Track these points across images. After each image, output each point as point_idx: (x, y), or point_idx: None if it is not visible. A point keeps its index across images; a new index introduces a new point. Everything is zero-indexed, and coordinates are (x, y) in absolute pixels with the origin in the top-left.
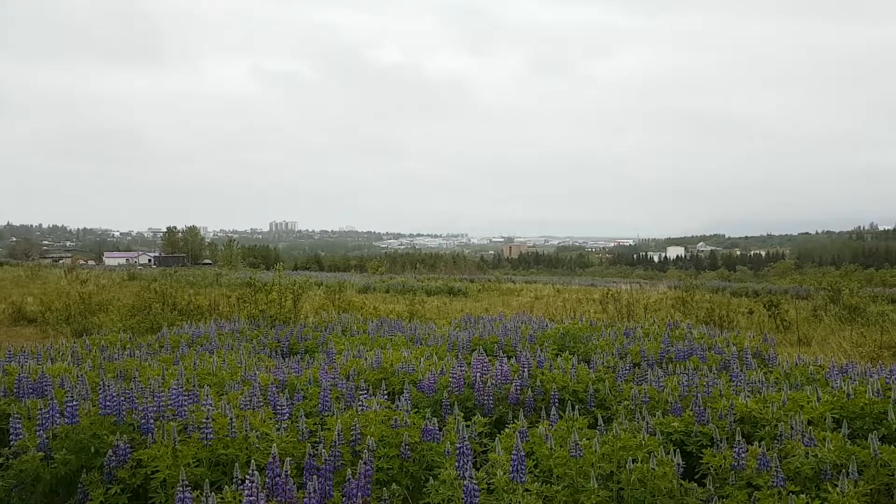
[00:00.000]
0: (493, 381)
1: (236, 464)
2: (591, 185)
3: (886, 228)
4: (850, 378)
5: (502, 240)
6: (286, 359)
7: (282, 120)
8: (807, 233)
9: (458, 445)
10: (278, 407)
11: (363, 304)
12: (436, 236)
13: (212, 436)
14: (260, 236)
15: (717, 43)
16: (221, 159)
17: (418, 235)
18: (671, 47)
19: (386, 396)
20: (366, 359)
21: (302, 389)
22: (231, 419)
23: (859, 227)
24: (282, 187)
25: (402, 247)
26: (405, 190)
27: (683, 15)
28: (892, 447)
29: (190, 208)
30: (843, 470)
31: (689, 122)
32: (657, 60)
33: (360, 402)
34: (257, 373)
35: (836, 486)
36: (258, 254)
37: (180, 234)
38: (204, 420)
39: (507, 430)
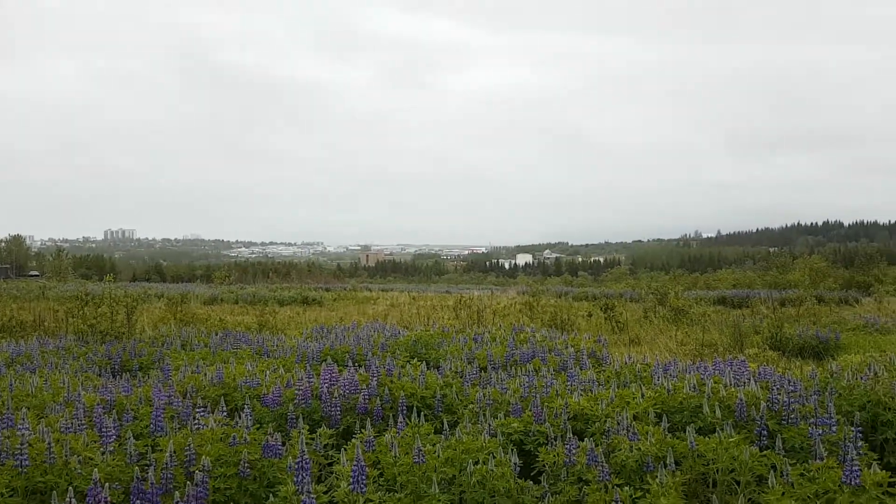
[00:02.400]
0: (342, 392)
1: (55, 492)
2: (447, 193)
3: (710, 236)
4: (671, 375)
5: (359, 248)
6: (117, 377)
7: (125, 123)
8: (640, 240)
9: (297, 460)
10: (104, 429)
11: (208, 316)
12: (290, 244)
13: (27, 462)
14: (94, 245)
15: (568, 61)
16: (53, 163)
17: (271, 244)
18: (527, 64)
19: (225, 413)
20: (206, 374)
21: (132, 409)
22: (49, 444)
23: (686, 234)
24: (120, 194)
25: (254, 255)
26: (257, 197)
27: (539, 34)
28: (707, 438)
29: (14, 216)
30: (663, 461)
31: (539, 135)
32: (513, 76)
33: (196, 421)
34: (82, 393)
35: (657, 477)
36: (91, 264)
37: (3, 244)
38: (19, 446)
39: (353, 440)
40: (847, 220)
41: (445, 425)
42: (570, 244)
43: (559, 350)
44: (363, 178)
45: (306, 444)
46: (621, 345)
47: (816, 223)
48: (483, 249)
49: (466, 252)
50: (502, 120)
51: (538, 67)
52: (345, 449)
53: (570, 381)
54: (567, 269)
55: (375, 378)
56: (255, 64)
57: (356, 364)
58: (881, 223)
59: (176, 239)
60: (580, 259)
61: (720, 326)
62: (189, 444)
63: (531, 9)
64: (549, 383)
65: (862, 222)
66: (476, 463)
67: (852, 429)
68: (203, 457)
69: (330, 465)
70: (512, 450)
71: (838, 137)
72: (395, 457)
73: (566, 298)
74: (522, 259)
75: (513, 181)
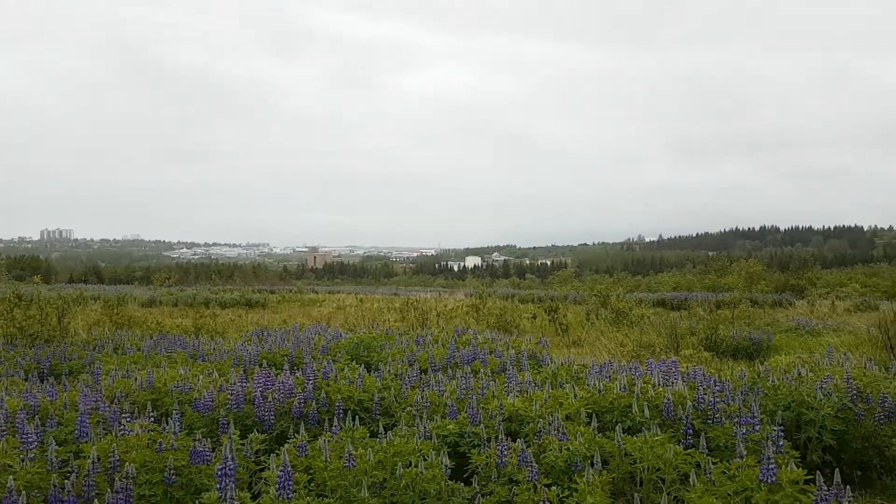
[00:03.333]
0: (277, 396)
1: None
2: (396, 195)
3: (652, 240)
4: (605, 376)
5: (307, 249)
6: (45, 382)
7: (62, 121)
8: (586, 244)
9: (221, 466)
10: (25, 435)
11: (145, 319)
12: (234, 245)
13: None
14: (29, 245)
15: (515, 65)
16: None
17: (215, 245)
18: (475, 66)
19: (153, 419)
20: (136, 378)
21: (57, 415)
22: None
23: (629, 238)
24: (58, 193)
25: (197, 257)
26: (201, 197)
27: (488, 37)
28: (635, 438)
29: None
30: (591, 461)
31: (488, 137)
32: (461, 78)
33: (123, 427)
34: (5, 398)
35: (585, 476)
36: (27, 265)
37: None
38: None
39: (286, 445)
40: (783, 226)
41: (381, 428)
42: (518, 247)
43: (500, 352)
44: (311, 178)
45: (236, 449)
46: (563, 346)
47: (754, 228)
48: (432, 251)
49: (416, 254)
50: (451, 122)
51: (486, 70)
52: (276, 454)
53: (507, 383)
54: (515, 272)
55: (311, 381)
56: (196, 61)
57: (295, 367)
58: (815, 228)
59: (115, 239)
60: (528, 262)
61: (659, 328)
62: (113, 451)
63: (478, 12)
64: (486, 385)
65: (797, 227)
66: (407, 465)
67: (774, 428)
68: (127, 463)
69: (261, 470)
70: (444, 451)
71: (776, 144)
72: (327, 461)
73: (513, 300)
74: (471, 261)
75: (462, 183)
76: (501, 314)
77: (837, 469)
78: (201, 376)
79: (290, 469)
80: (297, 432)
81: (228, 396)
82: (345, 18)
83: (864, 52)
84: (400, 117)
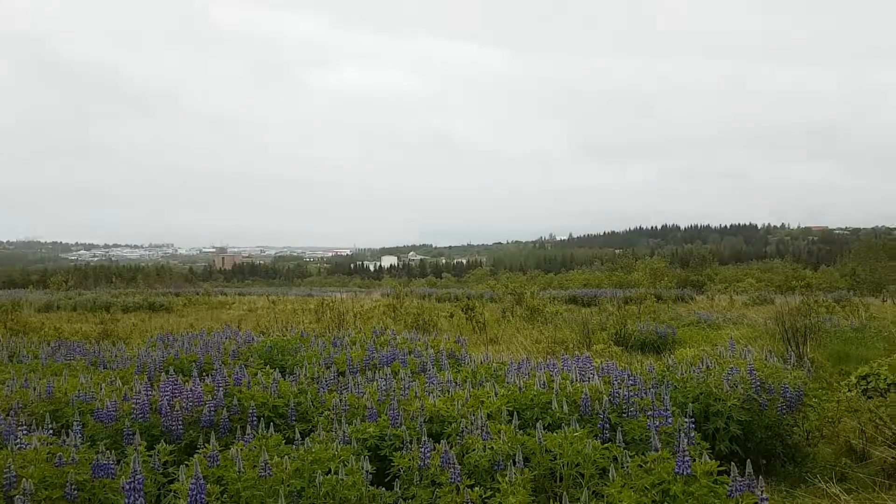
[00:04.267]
0: (185, 404)
1: None
2: (310, 194)
3: (563, 238)
4: (524, 373)
5: (214, 250)
6: None
7: None
8: (500, 242)
9: (129, 480)
10: None
11: (42, 324)
12: (137, 247)
13: None
14: None
15: (431, 66)
16: None
17: (115, 246)
18: (391, 66)
19: (52, 431)
20: (34, 388)
21: None
22: None
23: (542, 237)
24: None
25: (96, 259)
26: (101, 197)
27: (405, 37)
28: (555, 434)
29: None
30: (513, 459)
31: (404, 137)
32: (377, 77)
33: (20, 440)
34: None
35: (507, 475)
36: None
37: None
38: None
39: (196, 455)
40: (683, 224)
41: (298, 435)
42: (434, 246)
43: (419, 352)
44: (219, 177)
45: (143, 461)
46: (481, 344)
47: (657, 227)
48: (348, 251)
49: (331, 254)
50: (366, 121)
51: (400, 70)
52: (186, 465)
53: (428, 383)
54: (431, 271)
55: (222, 388)
56: (96, 57)
57: (204, 374)
58: (713, 227)
59: (9, 241)
60: (444, 261)
61: (571, 324)
62: (9, 466)
63: (393, 13)
64: (407, 386)
65: (696, 226)
66: (327, 472)
67: (686, 420)
68: (25, 479)
69: (170, 482)
70: (365, 456)
71: (675, 146)
72: (240, 471)
73: (430, 299)
74: (388, 261)
75: (378, 183)
76: (419, 314)
77: (746, 459)
78: (104, 385)
79: (202, 480)
80: (208, 442)
81: (133, 406)
82: (253, 13)
83: (757, 62)
84: (314, 116)
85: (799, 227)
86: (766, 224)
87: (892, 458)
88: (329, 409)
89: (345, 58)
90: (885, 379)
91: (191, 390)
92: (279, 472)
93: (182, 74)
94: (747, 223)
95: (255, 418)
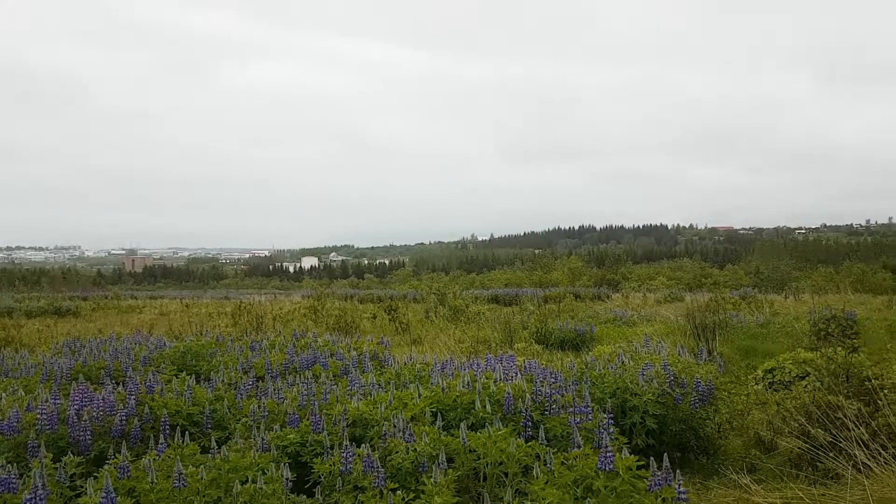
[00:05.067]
0: (94, 414)
1: None
2: (225, 194)
3: (484, 239)
4: (448, 373)
5: (124, 252)
6: None
7: None
8: (423, 243)
9: (30, 495)
10: None
11: None
12: (41, 249)
13: None
14: None
15: (349, 66)
16: None
17: (18, 248)
18: (309, 65)
19: None
20: None
21: None
22: None
23: (464, 237)
24: None
25: None
26: (2, 198)
27: (323, 36)
28: (479, 433)
29: None
30: (437, 461)
31: (323, 136)
32: (293, 76)
33: None
34: None
35: (431, 477)
36: None
37: None
38: None
39: (106, 466)
40: (599, 225)
41: (214, 443)
42: (356, 247)
43: (341, 354)
44: (128, 176)
45: (49, 474)
46: (404, 345)
47: (574, 227)
48: (266, 253)
49: (248, 255)
50: (283, 120)
51: (319, 69)
52: (95, 478)
53: (350, 386)
54: (354, 272)
55: (134, 396)
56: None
57: (114, 381)
58: (627, 227)
59: None
60: (366, 261)
61: (493, 323)
62: None
63: (309, 9)
64: (328, 390)
65: (611, 226)
66: (245, 481)
67: (605, 416)
68: None
69: (78, 496)
70: (285, 463)
71: (591, 149)
72: (153, 482)
73: (352, 301)
74: (308, 262)
75: (297, 182)
76: (341, 315)
77: (662, 452)
78: (4, 394)
79: (112, 493)
80: (119, 452)
81: (38, 416)
82: (165, 9)
83: (670, 65)
84: (230, 114)
85: (706, 227)
86: (676, 224)
87: (798, 448)
88: (247, 416)
89: (258, 54)
90: (790, 372)
91: (102, 399)
92: (194, 483)
93: (87, 69)
94: (658, 224)
95: (167, 427)
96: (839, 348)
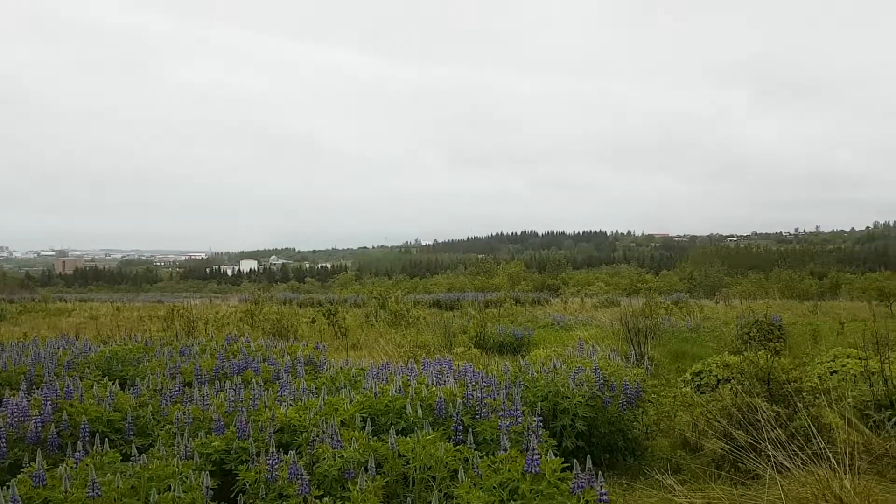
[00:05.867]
0: (10, 420)
1: None
2: (159, 196)
3: (428, 243)
4: (382, 377)
5: (54, 254)
6: None
7: None
8: (365, 247)
9: None
10: None
11: None
12: None
13: None
14: None
15: (290, 67)
16: None
17: None
18: (248, 65)
19: None
20: None
21: None
22: None
23: (407, 242)
24: None
25: None
26: None
27: (262, 36)
28: (408, 438)
29: None
30: (365, 466)
31: (261, 138)
32: (232, 77)
33: None
34: None
35: (358, 483)
36: None
37: None
38: None
39: (20, 475)
40: (541, 230)
41: (135, 451)
42: (297, 250)
43: (275, 359)
44: (59, 175)
45: None
46: (342, 350)
47: (516, 232)
48: (203, 255)
49: (184, 258)
50: (220, 121)
51: (258, 70)
52: (8, 487)
53: (281, 392)
54: (294, 276)
55: (50, 401)
56: None
57: (34, 387)
58: (568, 233)
59: None
60: (308, 265)
61: (434, 328)
62: None
63: (248, 9)
64: (257, 395)
65: (553, 232)
66: (165, 490)
67: (535, 419)
68: None
69: None
70: (206, 471)
71: (533, 156)
72: (67, 491)
73: (291, 305)
74: (247, 265)
75: (237, 184)
76: (278, 319)
77: (588, 454)
78: None
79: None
80: (34, 460)
81: None
82: (103, 5)
83: (613, 76)
84: (164, 112)
85: (643, 234)
86: (615, 231)
87: (721, 449)
88: (172, 423)
89: (200, 53)
90: (716, 375)
91: (16, 404)
92: (110, 492)
93: (19, 63)
94: (598, 230)
95: (87, 434)
96: (761, 352)
